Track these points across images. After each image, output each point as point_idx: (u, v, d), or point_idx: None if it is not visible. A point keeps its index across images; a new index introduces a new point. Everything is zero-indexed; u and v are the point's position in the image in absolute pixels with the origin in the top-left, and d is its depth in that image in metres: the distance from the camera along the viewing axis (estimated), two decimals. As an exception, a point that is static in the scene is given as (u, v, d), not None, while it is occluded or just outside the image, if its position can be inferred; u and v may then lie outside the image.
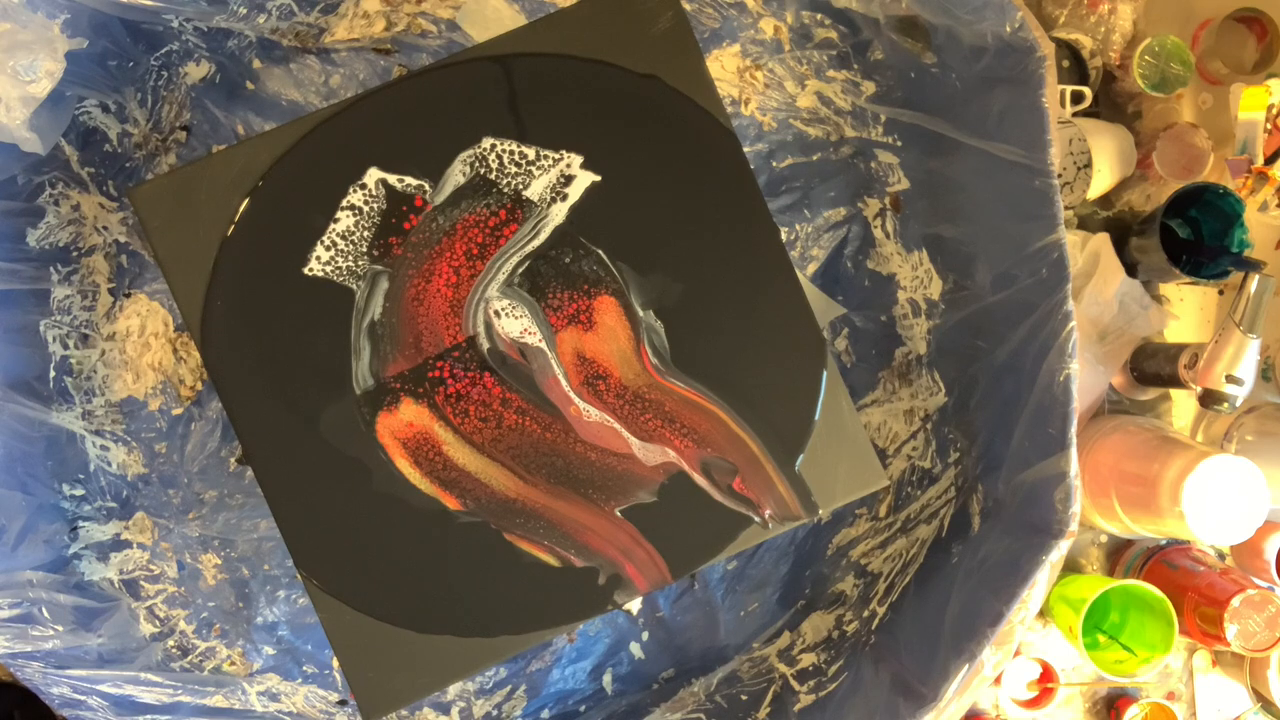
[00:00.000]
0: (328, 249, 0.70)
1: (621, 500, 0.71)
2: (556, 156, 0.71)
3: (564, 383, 0.71)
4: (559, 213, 0.71)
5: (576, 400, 0.71)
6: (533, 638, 0.70)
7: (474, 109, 0.71)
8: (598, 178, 0.72)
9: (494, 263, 0.71)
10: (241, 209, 0.69)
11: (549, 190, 0.71)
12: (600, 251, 0.71)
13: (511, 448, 0.71)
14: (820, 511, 0.72)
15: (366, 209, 0.70)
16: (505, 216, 0.71)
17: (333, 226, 0.70)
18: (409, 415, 0.70)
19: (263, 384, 0.70)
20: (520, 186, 0.71)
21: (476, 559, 0.70)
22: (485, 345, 0.71)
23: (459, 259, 0.71)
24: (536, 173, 0.71)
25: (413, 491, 0.70)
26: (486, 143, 0.71)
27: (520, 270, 0.71)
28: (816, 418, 0.72)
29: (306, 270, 0.70)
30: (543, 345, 0.71)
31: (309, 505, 0.70)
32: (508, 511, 0.71)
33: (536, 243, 0.71)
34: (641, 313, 0.72)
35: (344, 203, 0.70)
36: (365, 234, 0.71)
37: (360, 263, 0.70)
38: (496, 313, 0.71)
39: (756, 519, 0.71)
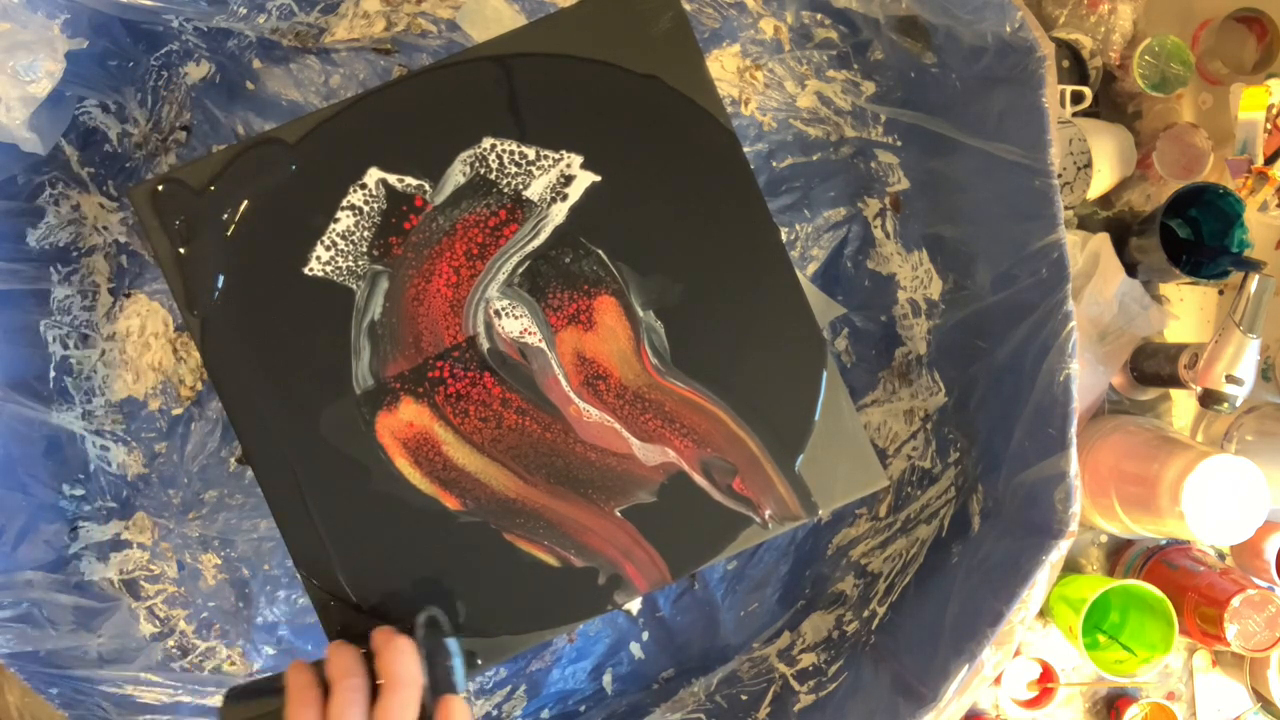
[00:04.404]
0: (328, 249, 0.70)
1: (621, 500, 0.71)
2: (556, 156, 0.71)
3: (564, 383, 0.71)
4: (559, 213, 0.71)
5: (576, 400, 0.71)
6: (532, 638, 0.70)
7: (474, 109, 0.71)
8: (598, 178, 0.72)
9: (494, 263, 0.71)
10: (241, 209, 0.69)
11: (549, 190, 0.71)
12: (600, 251, 0.71)
13: (511, 448, 0.71)
14: (820, 512, 0.72)
15: (366, 209, 0.70)
16: (505, 216, 0.71)
17: (333, 226, 0.70)
18: (409, 415, 0.70)
19: (263, 384, 0.70)
20: (520, 186, 0.71)
21: (476, 559, 0.70)
22: (485, 345, 0.71)
23: (459, 259, 0.71)
24: (536, 173, 0.71)
25: (412, 491, 0.70)
26: (486, 143, 0.71)
27: (520, 270, 0.71)
28: (816, 418, 0.72)
29: (307, 270, 0.70)
30: (543, 345, 0.71)
31: (309, 505, 0.70)
32: (508, 511, 0.71)
33: (536, 243, 0.71)
34: (641, 313, 0.72)
35: (344, 203, 0.70)
36: (365, 234, 0.71)
37: (360, 263, 0.70)
38: (496, 312, 0.71)
39: (756, 519, 0.71)
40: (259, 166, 0.70)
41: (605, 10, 0.72)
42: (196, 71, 0.81)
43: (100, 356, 0.82)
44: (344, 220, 0.70)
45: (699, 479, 0.71)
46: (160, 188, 0.69)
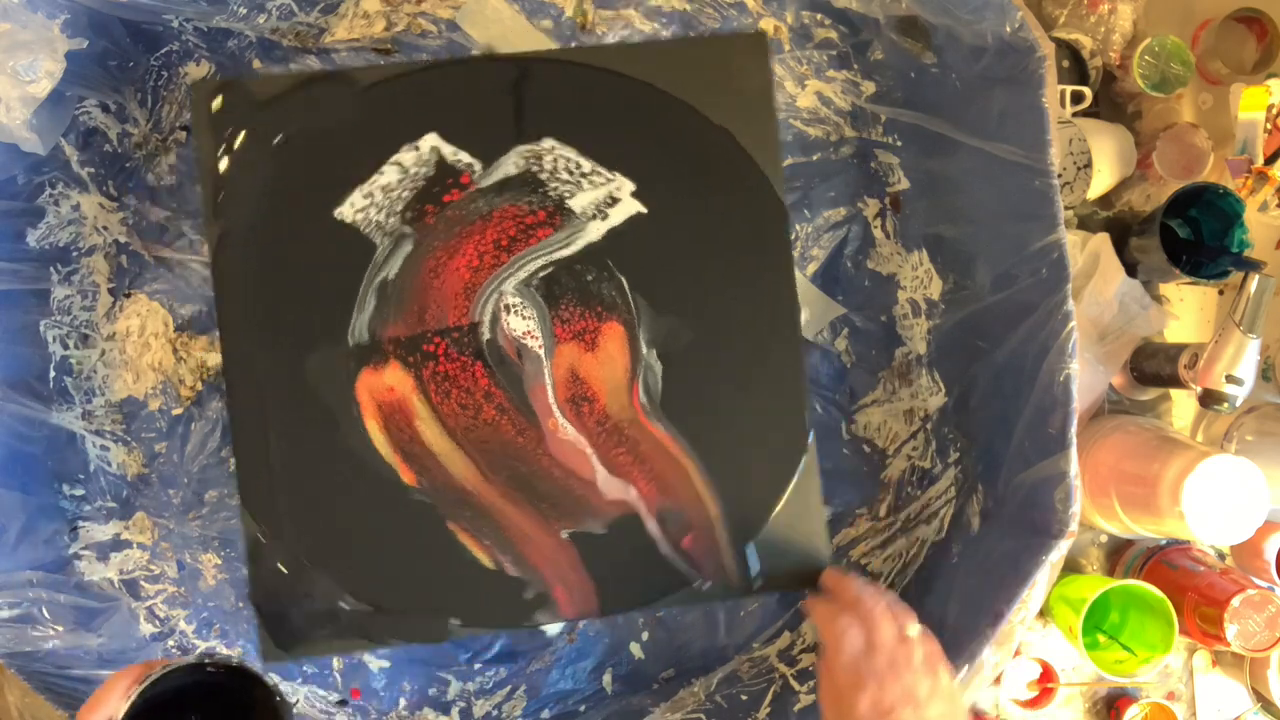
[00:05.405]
0: (365, 198, 0.70)
1: (571, 524, 0.71)
2: (610, 177, 0.71)
3: (550, 394, 0.71)
4: (596, 230, 0.71)
5: (557, 414, 0.71)
6: (442, 630, 0.70)
7: (546, 107, 0.71)
8: (644, 209, 0.72)
9: (519, 259, 0.71)
10: (294, 134, 0.69)
11: (592, 206, 0.71)
12: (624, 279, 0.71)
13: (482, 441, 0.71)
14: (755, 591, 0.72)
15: (413, 171, 0.70)
16: (543, 218, 0.71)
17: (376, 178, 0.70)
18: (393, 380, 0.70)
19: (263, 307, 0.69)
20: (566, 195, 0.71)
21: (415, 538, 0.70)
22: (486, 335, 0.71)
23: (486, 245, 0.71)
24: (586, 186, 0.71)
25: (374, 454, 0.70)
26: (547, 143, 0.71)
27: (541, 274, 0.71)
28: (781, 504, 0.72)
29: (337, 213, 0.70)
30: (541, 352, 0.71)
31: (270, 441, 0.69)
32: (459, 502, 0.70)
33: (565, 253, 0.71)
34: (645, 349, 0.71)
35: (394, 158, 0.70)
36: (405, 194, 0.70)
37: (391, 220, 0.70)
38: (507, 307, 0.71)
39: (694, 582, 0.71)
40: (324, 99, 0.70)
41: (702, 54, 0.72)
42: (196, 71, 0.81)
43: (100, 356, 0.82)
44: (389, 175, 0.70)
45: (651, 526, 0.71)
46: (224, 92, 0.69)
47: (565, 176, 0.71)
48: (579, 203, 0.71)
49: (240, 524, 0.70)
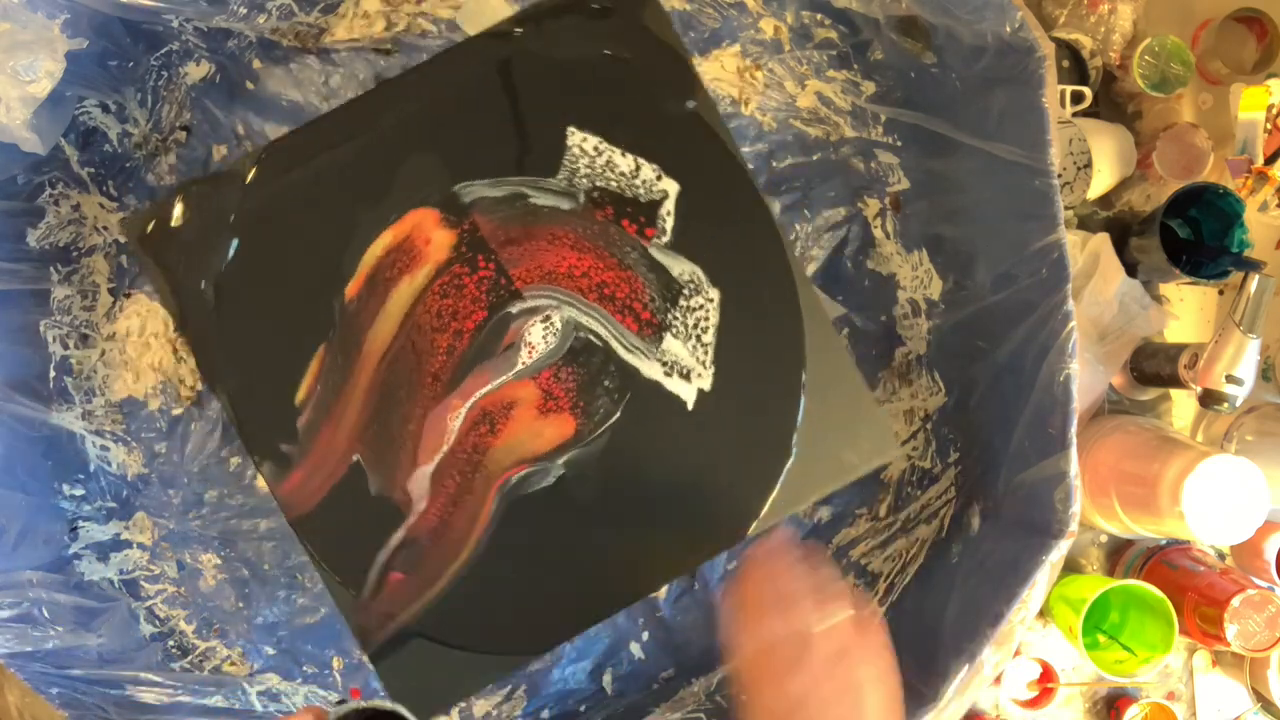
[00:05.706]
0: (594, 150, 0.73)
1: (367, 460, 0.73)
2: (706, 364, 0.74)
3: (481, 391, 0.73)
4: (651, 371, 0.73)
5: (465, 408, 0.72)
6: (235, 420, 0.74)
7: (733, 263, 0.74)
8: (689, 405, 0.74)
9: (596, 310, 0.73)
10: (635, 61, 0.74)
11: (672, 359, 0.73)
12: (619, 416, 0.73)
13: (414, 345, 0.73)
14: (370, 657, 0.74)
15: (638, 183, 0.73)
16: (643, 318, 0.74)
17: (616, 152, 0.73)
18: (438, 240, 0.73)
19: (444, 105, 0.73)
20: (673, 331, 0.73)
21: (297, 317, 0.73)
22: (512, 309, 0.72)
23: (594, 278, 0.73)
24: (689, 347, 0.73)
25: (359, 248, 0.73)
26: (714, 293, 0.74)
27: (589, 336, 0.73)
28: (462, 653, 0.73)
29: (570, 129, 0.73)
30: (518, 366, 0.72)
31: (320, 158, 0.73)
32: (349, 348, 0.73)
33: (618, 351, 0.73)
34: (559, 461, 0.73)
35: (641, 159, 0.73)
36: (611, 185, 0.73)
37: (583, 181, 0.73)
38: (547, 318, 0.72)
39: (358, 596, 0.72)
40: (672, 76, 0.74)
41: (853, 393, 0.75)
42: (196, 71, 0.82)
43: (100, 356, 0.82)
44: (624, 163, 0.73)
45: (397, 535, 0.73)
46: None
47: (690, 320, 0.73)
48: (671, 345, 0.73)
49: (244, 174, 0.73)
